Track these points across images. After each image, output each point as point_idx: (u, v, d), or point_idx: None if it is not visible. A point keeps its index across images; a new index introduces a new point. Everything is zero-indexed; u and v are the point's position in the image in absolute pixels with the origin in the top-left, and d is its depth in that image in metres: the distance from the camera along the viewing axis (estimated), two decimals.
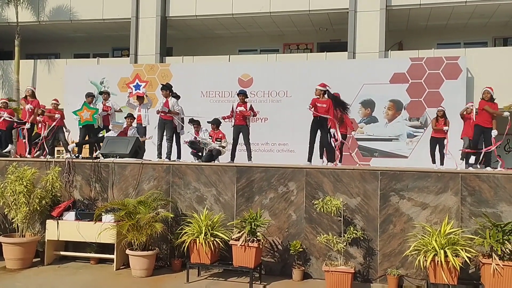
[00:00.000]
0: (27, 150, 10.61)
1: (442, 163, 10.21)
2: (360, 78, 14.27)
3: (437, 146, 10.45)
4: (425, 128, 13.83)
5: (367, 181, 7.61)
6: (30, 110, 10.46)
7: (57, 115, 10.57)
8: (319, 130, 9.13)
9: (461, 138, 10.66)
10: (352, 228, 7.32)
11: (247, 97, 10.42)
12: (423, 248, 6.64)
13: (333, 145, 9.32)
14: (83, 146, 11.31)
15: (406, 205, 7.44)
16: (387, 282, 7.28)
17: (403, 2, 15.47)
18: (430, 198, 7.35)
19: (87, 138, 10.94)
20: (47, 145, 10.84)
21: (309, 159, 9.09)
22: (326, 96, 9.11)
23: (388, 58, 15.24)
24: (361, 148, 14.30)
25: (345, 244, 7.18)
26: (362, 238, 7.43)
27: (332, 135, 9.43)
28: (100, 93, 11.78)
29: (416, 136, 14.00)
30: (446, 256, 6.37)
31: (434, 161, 10.43)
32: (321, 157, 9.66)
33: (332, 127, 9.35)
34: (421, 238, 6.85)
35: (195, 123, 11.27)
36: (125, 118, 10.96)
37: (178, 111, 10.29)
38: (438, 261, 6.39)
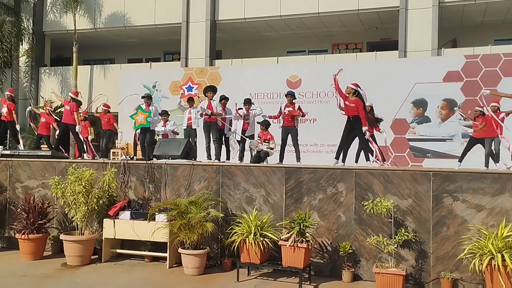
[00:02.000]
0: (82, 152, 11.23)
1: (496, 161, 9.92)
2: (412, 77, 13.97)
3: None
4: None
5: (418, 182, 7.45)
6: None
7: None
8: (352, 132, 9.08)
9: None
10: (403, 230, 7.18)
11: (295, 98, 10.45)
12: (479, 251, 6.42)
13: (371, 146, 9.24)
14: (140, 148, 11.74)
15: (460, 207, 7.22)
16: (441, 285, 7.09)
17: None
18: (486, 200, 7.10)
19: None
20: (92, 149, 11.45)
21: (337, 157, 9.10)
22: (355, 95, 8.98)
23: (441, 56, 14.86)
24: (413, 149, 13.99)
25: (396, 246, 7.05)
26: (414, 240, 7.27)
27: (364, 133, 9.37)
28: (161, 114, 11.92)
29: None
30: (503, 260, 6.13)
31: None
32: (356, 160, 9.57)
33: (363, 125, 9.25)
34: (477, 241, 6.63)
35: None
36: (160, 115, 11.34)
37: (221, 113, 10.43)
38: (495, 265, 6.17)
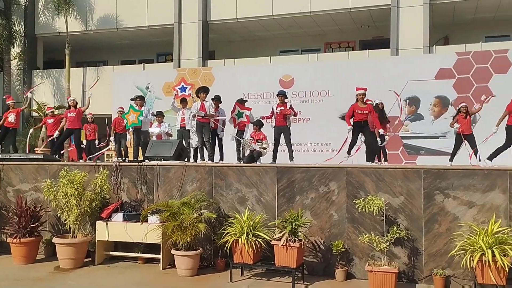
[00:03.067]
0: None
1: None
2: (404, 75, 14.00)
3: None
4: (474, 125, 13.36)
5: (410, 180, 7.47)
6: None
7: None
8: (361, 134, 9.16)
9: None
10: (395, 228, 7.20)
11: (287, 98, 10.46)
12: (470, 248, 6.45)
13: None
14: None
15: (451, 204, 7.25)
16: (433, 282, 7.11)
17: None
18: (476, 197, 7.13)
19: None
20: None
21: (349, 152, 9.21)
22: (365, 100, 9.20)
23: (433, 54, 14.91)
24: (407, 147, 14.02)
25: (388, 244, 7.07)
26: (406, 237, 7.29)
27: (379, 135, 9.52)
28: (156, 114, 11.95)
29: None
30: (493, 255, 6.16)
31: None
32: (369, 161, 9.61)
33: (378, 128, 9.39)
34: (468, 237, 6.66)
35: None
36: (155, 116, 11.34)
37: (213, 114, 10.41)
38: (485, 261, 6.19)
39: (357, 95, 9.21)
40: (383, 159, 10.82)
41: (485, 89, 13.15)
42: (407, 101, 14.04)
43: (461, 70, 13.63)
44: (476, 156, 9.52)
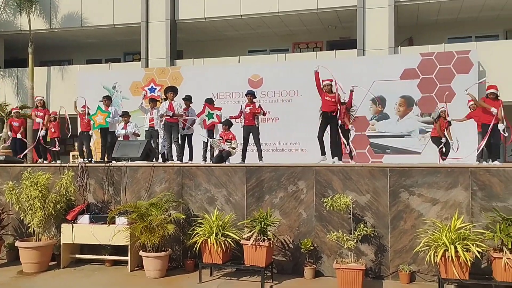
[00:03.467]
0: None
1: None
2: (370, 75, 14.21)
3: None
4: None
5: (376, 178, 7.61)
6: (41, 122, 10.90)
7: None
8: (329, 126, 9.15)
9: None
10: (362, 225, 7.33)
11: (255, 97, 10.48)
12: (434, 244, 6.63)
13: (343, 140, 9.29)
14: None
15: (416, 201, 7.43)
16: (399, 278, 7.29)
17: None
18: (440, 194, 7.33)
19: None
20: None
21: (323, 153, 9.12)
22: (333, 90, 9.11)
23: (398, 54, 15.18)
24: (373, 145, 14.27)
25: (355, 241, 7.19)
26: (372, 235, 7.43)
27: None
28: (122, 115, 11.71)
29: (429, 131, 13.87)
30: (456, 251, 6.34)
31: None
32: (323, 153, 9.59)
33: (339, 119, 9.31)
34: (432, 233, 6.83)
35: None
36: (121, 116, 11.20)
37: (182, 113, 10.33)
38: (448, 256, 6.37)
39: (322, 86, 9.20)
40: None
41: (448, 89, 13.55)
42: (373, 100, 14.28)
43: (425, 70, 13.97)
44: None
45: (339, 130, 9.16)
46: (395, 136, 14.25)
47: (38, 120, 11.30)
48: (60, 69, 18.55)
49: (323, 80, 9.21)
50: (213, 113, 10.62)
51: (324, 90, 9.12)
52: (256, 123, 10.23)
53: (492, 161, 9.04)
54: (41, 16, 18.71)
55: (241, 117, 10.36)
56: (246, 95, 10.45)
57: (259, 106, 10.33)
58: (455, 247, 6.36)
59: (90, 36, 19.57)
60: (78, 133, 11.71)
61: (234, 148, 10.40)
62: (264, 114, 10.62)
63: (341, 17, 16.84)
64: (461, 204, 7.23)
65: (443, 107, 10.82)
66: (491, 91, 9.46)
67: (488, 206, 7.10)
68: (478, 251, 6.38)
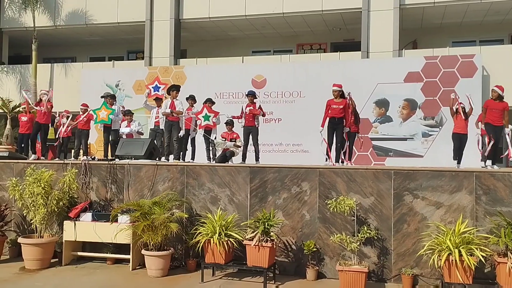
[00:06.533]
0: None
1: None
2: (374, 77, 14.24)
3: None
4: (440, 127, 13.76)
5: (380, 180, 7.60)
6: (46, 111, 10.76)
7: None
8: (335, 132, 9.24)
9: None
10: (365, 228, 7.31)
11: (256, 98, 10.48)
12: (437, 248, 6.61)
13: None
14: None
15: (420, 205, 7.41)
16: (402, 281, 7.26)
17: (417, 1, 15.36)
18: (444, 197, 7.31)
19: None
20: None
21: (328, 158, 9.23)
22: (341, 96, 9.29)
23: (402, 57, 15.15)
24: (376, 148, 14.25)
25: (358, 243, 7.17)
26: (376, 237, 7.42)
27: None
28: (125, 113, 11.72)
29: (432, 135, 13.92)
30: (460, 255, 6.33)
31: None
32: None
33: (347, 126, 9.46)
34: (435, 237, 6.81)
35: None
36: (124, 115, 11.18)
37: (181, 111, 10.29)
38: (452, 260, 6.36)
39: (333, 91, 9.31)
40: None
41: (452, 93, 13.45)
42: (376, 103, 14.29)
43: (429, 73, 13.96)
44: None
45: (345, 136, 9.30)
46: (398, 139, 14.24)
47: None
48: (63, 66, 18.55)
49: (334, 85, 9.42)
50: (210, 116, 10.57)
51: (333, 96, 9.25)
52: (256, 123, 10.23)
53: (493, 164, 9.01)
54: (45, 13, 18.70)
55: (242, 117, 10.35)
56: (246, 95, 10.46)
57: (259, 107, 10.31)
58: (459, 251, 6.35)
59: (94, 34, 19.57)
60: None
61: (239, 147, 10.42)
62: (263, 115, 10.62)
63: (345, 19, 16.82)
64: (465, 208, 7.21)
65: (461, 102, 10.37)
66: (493, 89, 9.26)
67: (493, 210, 7.09)
68: (482, 256, 6.36)
